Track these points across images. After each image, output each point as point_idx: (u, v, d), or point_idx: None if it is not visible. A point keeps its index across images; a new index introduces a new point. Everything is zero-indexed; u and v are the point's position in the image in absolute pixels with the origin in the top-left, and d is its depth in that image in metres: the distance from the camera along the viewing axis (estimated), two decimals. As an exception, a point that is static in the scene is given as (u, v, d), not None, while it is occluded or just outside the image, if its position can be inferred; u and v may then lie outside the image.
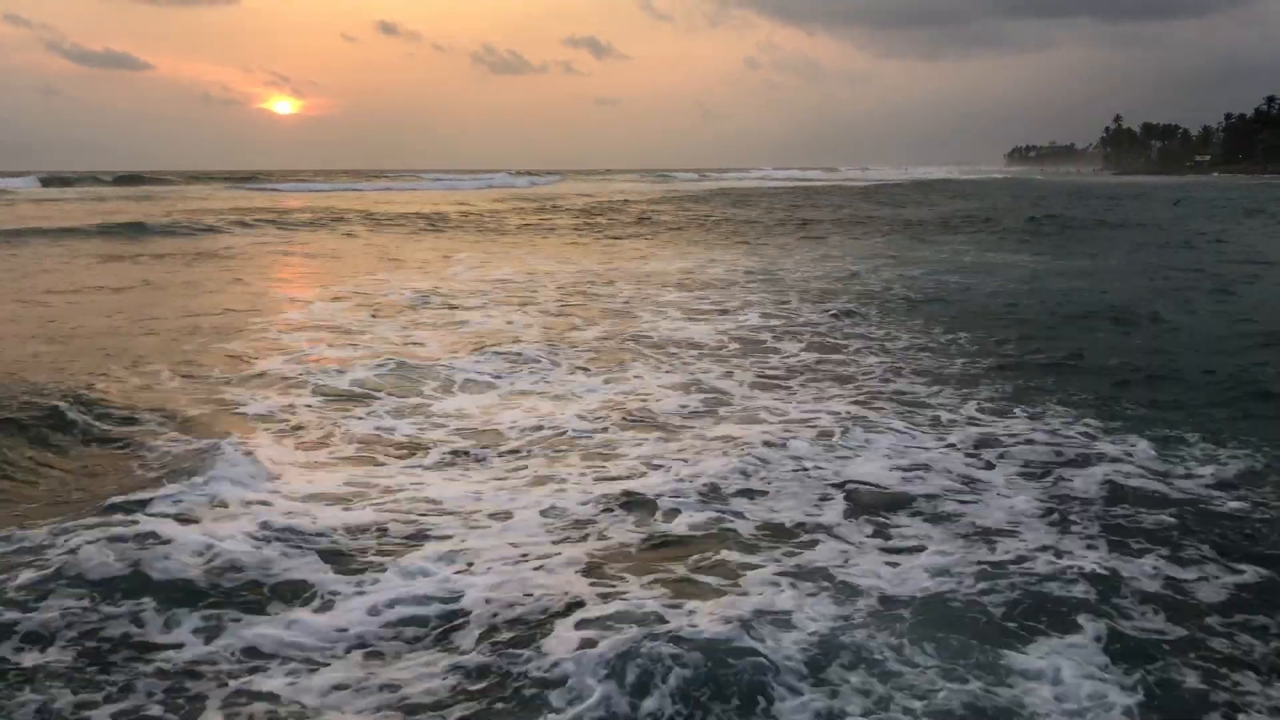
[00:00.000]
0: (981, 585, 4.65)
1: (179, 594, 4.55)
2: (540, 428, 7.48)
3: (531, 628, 4.32)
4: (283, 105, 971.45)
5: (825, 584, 4.72)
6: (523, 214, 39.48)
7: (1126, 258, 20.73)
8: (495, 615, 4.43)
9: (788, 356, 10.17)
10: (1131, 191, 63.89)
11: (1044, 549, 5.14)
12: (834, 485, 6.15)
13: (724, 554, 5.08)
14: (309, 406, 8.06)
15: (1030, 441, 7.07)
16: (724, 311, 13.23)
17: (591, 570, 4.89)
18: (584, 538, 5.34)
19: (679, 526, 5.48)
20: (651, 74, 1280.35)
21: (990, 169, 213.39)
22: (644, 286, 15.93)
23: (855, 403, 8.21)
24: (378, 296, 14.50)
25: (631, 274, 17.91)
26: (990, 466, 6.55)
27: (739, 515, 5.63)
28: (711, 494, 5.95)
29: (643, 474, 6.40)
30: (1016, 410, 7.95)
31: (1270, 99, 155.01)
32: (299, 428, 7.47)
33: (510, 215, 38.31)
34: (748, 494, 5.99)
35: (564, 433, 7.36)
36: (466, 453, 6.88)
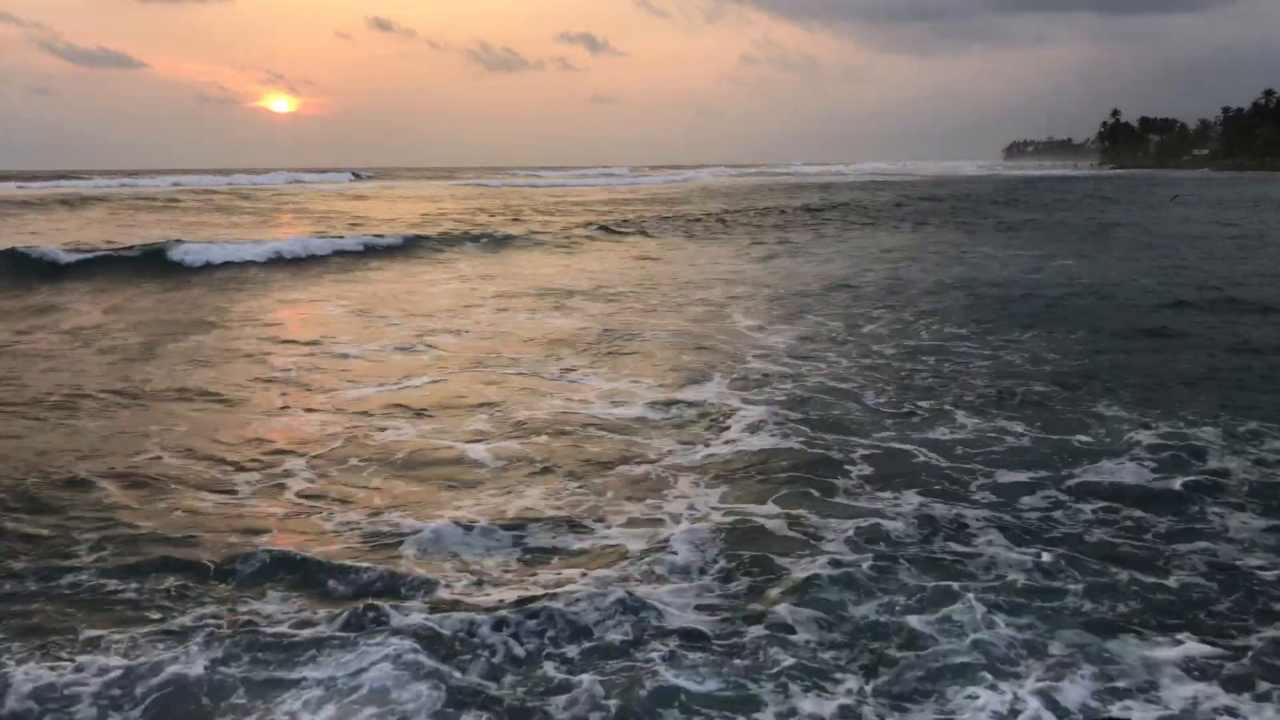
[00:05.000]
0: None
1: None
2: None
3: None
4: (279, 104, 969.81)
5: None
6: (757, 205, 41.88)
7: None
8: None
9: None
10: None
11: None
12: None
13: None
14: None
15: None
16: None
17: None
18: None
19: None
20: (649, 71, 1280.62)
21: (985, 164, 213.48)
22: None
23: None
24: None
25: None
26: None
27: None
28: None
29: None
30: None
31: (1268, 92, 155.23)
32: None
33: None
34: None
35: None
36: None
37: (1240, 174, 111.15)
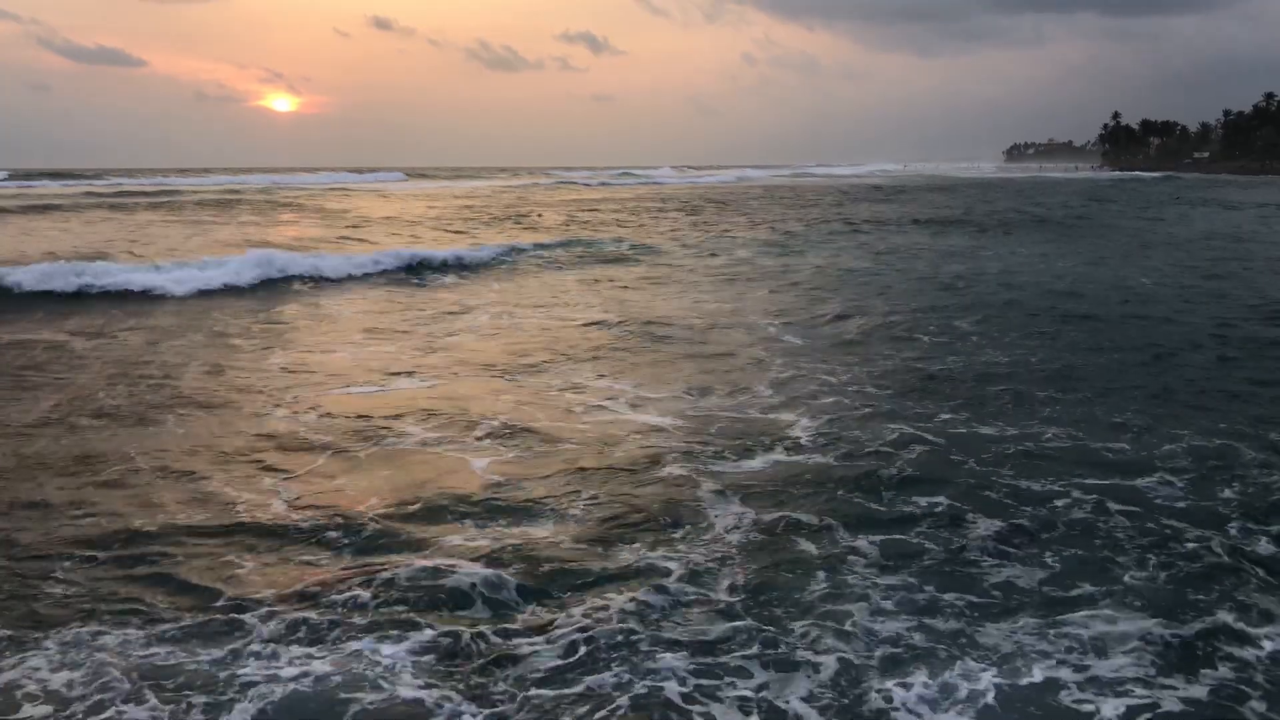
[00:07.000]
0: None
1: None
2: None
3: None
4: (279, 102, 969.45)
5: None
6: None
7: None
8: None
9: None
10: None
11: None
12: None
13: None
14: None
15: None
16: None
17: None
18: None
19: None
20: (648, 70, 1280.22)
21: (1002, 165, 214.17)
22: None
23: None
24: None
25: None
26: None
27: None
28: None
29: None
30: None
31: (1269, 95, 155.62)
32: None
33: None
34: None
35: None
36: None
37: (1239, 176, 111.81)
